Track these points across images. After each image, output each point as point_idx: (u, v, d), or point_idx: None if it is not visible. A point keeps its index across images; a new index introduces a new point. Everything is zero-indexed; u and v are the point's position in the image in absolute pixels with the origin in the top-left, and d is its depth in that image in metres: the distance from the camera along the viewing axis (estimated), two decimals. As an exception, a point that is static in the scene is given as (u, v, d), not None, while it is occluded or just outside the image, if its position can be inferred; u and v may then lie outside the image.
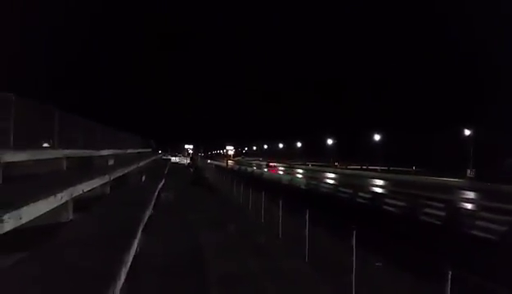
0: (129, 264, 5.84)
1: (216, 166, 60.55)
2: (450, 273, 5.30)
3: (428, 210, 19.09)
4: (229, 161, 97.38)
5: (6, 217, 4.32)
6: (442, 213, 18.10)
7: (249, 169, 66.51)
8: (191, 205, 20.41)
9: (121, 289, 4.94)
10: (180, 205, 19.35)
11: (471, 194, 33.41)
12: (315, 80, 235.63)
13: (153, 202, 13.13)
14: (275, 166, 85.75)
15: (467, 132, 51.58)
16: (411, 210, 19.70)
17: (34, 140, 10.74)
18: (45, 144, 11.81)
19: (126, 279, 5.41)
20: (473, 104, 79.43)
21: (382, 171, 63.55)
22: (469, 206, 23.60)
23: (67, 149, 11.95)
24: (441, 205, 19.50)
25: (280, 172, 61.43)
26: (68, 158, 11.62)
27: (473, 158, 49.88)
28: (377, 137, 70.32)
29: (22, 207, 4.89)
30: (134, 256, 6.63)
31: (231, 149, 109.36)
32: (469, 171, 48.90)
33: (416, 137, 73.71)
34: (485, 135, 51.73)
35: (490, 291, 8.45)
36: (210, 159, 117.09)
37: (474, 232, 15.36)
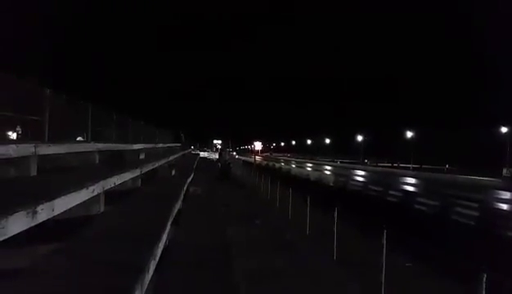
0: (158, 257, 5.91)
1: (244, 161, 60.84)
2: (485, 275, 5.12)
3: (460, 210, 18.58)
4: (257, 156, 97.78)
5: (39, 208, 4.42)
6: (476, 213, 17.58)
7: (277, 165, 66.37)
8: (219, 199, 20.56)
9: (149, 281, 5.00)
10: (208, 199, 19.51)
11: (507, 195, 32.23)
12: (347, 77, 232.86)
13: (182, 196, 13.29)
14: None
15: (504, 130, 49.76)
16: (443, 209, 19.24)
17: (69, 133, 11.05)
18: (79, 138, 12.13)
19: (155, 271, 5.48)
20: (510, 101, 76.59)
21: (414, 169, 62.16)
22: (504, 206, 22.75)
23: (100, 142, 12.24)
24: (474, 205, 18.94)
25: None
26: (100, 151, 11.88)
27: (510, 156, 48.15)
28: (409, 134, 68.80)
29: (55, 198, 5.00)
30: (163, 248, 6.71)
31: (258, 145, 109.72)
32: (505, 171, 47.23)
33: (450, 135, 71.65)
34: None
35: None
36: (238, 155, 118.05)
37: (510, 233, 14.86)
